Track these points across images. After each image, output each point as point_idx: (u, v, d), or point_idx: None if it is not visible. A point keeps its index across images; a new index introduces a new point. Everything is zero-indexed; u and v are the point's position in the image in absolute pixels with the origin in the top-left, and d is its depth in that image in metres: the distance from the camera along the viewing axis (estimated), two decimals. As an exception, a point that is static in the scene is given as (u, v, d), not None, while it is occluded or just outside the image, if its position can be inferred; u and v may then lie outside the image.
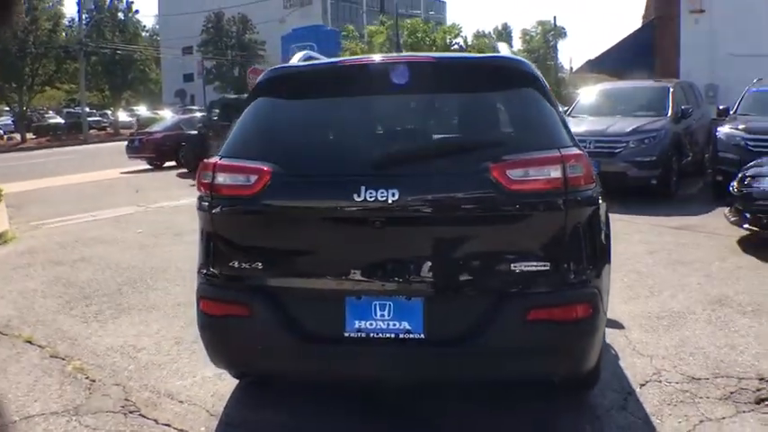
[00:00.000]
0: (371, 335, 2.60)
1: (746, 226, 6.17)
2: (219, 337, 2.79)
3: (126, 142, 18.59)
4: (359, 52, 12.23)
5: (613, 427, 3.00)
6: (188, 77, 54.74)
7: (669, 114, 9.63)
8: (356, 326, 2.61)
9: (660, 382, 3.40)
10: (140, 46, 44.25)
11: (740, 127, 9.06)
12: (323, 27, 16.11)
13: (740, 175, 6.48)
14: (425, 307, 2.58)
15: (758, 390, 3.27)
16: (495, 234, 2.58)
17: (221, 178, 2.69)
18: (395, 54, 3.21)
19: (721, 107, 10.48)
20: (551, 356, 2.63)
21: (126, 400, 3.35)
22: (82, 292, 5.38)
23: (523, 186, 2.49)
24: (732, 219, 6.40)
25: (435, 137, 2.99)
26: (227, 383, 3.46)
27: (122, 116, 41.36)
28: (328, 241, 2.66)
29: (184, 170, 15.65)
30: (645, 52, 17.23)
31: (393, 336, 2.59)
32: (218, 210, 2.70)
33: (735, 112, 9.92)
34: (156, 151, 16.84)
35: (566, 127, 2.77)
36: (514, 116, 2.79)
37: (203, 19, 47.34)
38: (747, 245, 6.29)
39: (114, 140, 31.34)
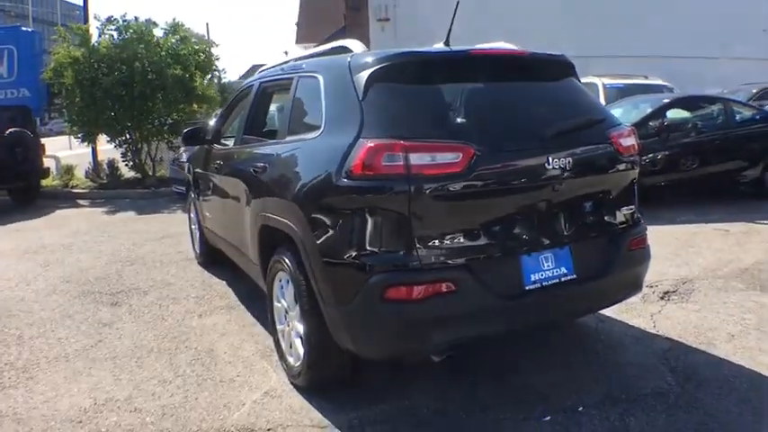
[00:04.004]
0: (543, 284, 2.91)
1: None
2: (418, 318, 2.66)
3: None
4: (80, 57, 10.63)
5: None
6: None
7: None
8: (532, 278, 2.89)
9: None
10: None
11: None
12: (20, 28, 13.47)
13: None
14: (572, 252, 3.02)
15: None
16: (611, 187, 3.23)
17: (418, 158, 2.60)
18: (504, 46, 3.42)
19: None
20: (641, 277, 3.39)
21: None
22: None
23: (627, 150, 3.23)
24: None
25: (562, 115, 3.24)
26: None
27: None
28: (513, 208, 2.89)
29: None
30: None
31: (557, 281, 2.94)
32: (419, 191, 2.60)
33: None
34: None
35: None
36: (585, 99, 3.40)
37: None
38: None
39: None
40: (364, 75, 2.90)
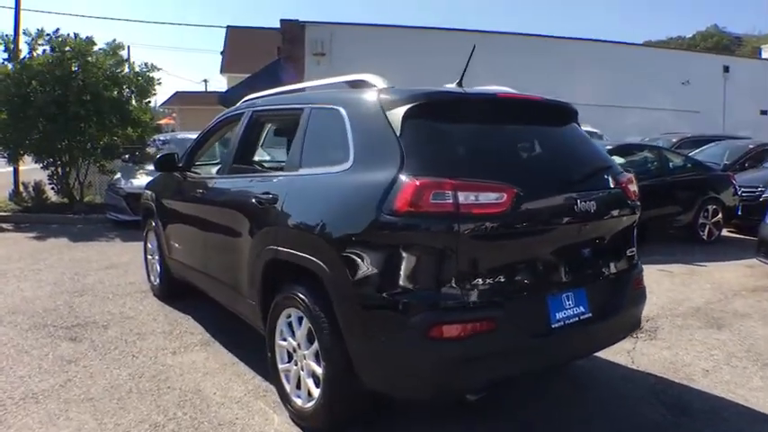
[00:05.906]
0: (565, 322, 2.96)
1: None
2: (460, 357, 2.61)
3: None
4: (10, 72, 10.04)
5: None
6: None
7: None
8: (557, 317, 2.93)
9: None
10: None
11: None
12: None
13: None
14: (588, 292, 3.09)
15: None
16: (620, 230, 3.37)
17: (465, 197, 2.61)
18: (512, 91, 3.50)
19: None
20: (640, 314, 3.55)
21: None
22: None
23: (632, 195, 3.43)
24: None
25: (581, 160, 3.38)
26: None
27: None
28: (544, 248, 2.95)
29: None
30: (274, 86, 18.72)
31: (577, 319, 3.00)
32: (466, 229, 2.60)
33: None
34: None
35: None
36: (593, 145, 3.56)
37: None
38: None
39: None
40: (400, 111, 2.88)
